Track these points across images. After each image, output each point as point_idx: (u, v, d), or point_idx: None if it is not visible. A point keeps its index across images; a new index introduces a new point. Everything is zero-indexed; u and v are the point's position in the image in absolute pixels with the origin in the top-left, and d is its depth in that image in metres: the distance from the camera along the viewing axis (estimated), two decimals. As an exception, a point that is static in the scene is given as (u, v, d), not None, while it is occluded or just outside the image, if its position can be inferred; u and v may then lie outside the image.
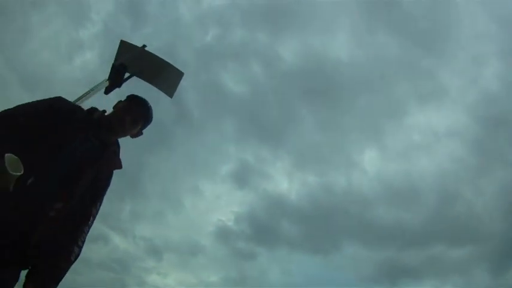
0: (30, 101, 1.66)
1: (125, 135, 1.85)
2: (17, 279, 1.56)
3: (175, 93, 3.66)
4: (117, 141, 1.86)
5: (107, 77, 3.80)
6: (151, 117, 1.91)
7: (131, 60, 3.88)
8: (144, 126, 1.90)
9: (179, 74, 3.72)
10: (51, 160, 1.55)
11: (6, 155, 1.27)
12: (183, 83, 3.73)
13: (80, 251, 1.65)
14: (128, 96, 1.91)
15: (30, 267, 1.58)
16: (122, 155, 1.87)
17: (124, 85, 3.69)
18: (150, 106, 1.90)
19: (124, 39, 4.22)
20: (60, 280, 1.59)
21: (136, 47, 4.04)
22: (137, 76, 3.79)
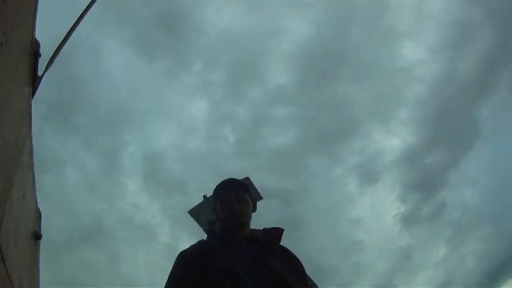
0: None
1: (249, 219, 1.79)
2: None
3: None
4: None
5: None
6: (244, 184, 1.85)
7: (208, 213, 4.09)
8: (251, 196, 1.84)
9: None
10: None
11: None
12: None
13: None
14: (214, 193, 1.86)
15: None
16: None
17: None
18: (233, 179, 1.83)
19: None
20: None
21: (201, 203, 4.29)
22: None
